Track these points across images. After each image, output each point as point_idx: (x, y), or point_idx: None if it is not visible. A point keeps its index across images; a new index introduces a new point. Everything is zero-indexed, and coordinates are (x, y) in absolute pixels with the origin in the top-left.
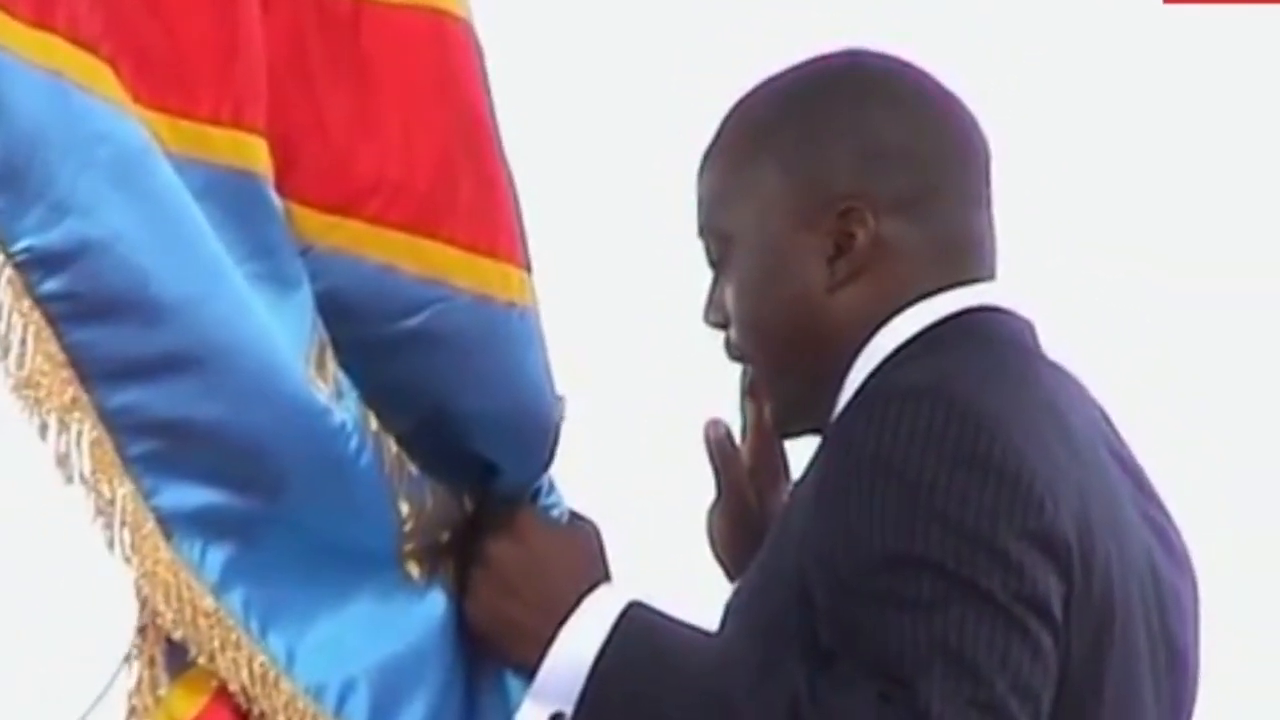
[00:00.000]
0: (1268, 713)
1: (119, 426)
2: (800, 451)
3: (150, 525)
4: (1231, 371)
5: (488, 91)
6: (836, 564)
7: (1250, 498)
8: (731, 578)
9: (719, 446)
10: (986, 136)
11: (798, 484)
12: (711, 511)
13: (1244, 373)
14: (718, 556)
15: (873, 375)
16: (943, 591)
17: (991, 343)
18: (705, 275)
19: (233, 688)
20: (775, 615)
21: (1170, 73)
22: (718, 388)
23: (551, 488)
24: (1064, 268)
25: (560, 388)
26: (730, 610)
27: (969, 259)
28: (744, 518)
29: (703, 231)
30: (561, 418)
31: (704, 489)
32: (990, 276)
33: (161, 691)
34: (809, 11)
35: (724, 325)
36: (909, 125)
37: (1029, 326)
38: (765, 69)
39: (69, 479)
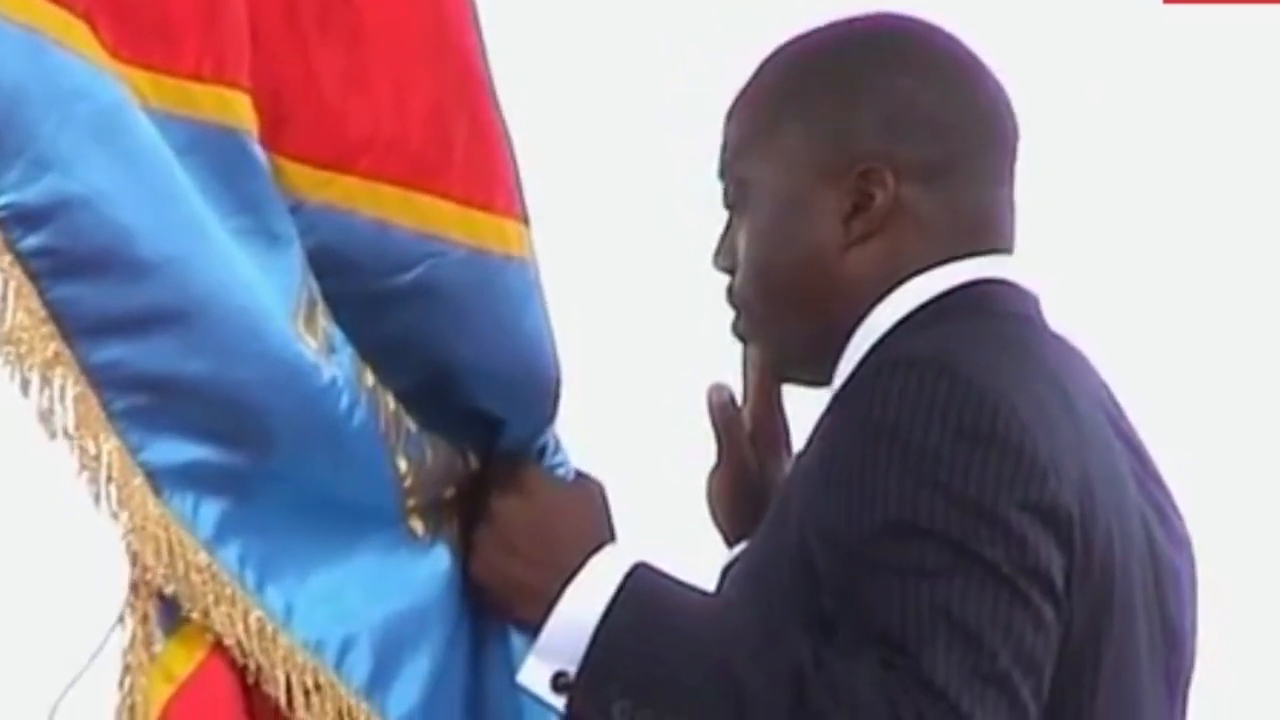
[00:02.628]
0: (1266, 703)
1: (103, 381)
2: (803, 419)
3: (138, 480)
4: (1231, 372)
5: (482, 45)
6: (838, 532)
7: (1246, 492)
8: (730, 544)
9: (721, 410)
10: (1017, 115)
11: (801, 453)
12: (711, 476)
13: (1244, 373)
14: (716, 522)
15: (879, 343)
16: (946, 561)
17: (997, 314)
18: (709, 238)
19: (228, 642)
20: (779, 585)
21: (1170, 73)
22: (722, 352)
23: (557, 446)
24: (1063, 267)
25: (563, 353)
26: (732, 578)
27: (984, 233)
28: (744, 483)
29: (723, 174)
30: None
31: (705, 453)
32: (1005, 252)
33: (156, 648)
34: (809, 11)
35: (731, 270)
36: (940, 94)
37: (1034, 300)
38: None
39: (52, 434)
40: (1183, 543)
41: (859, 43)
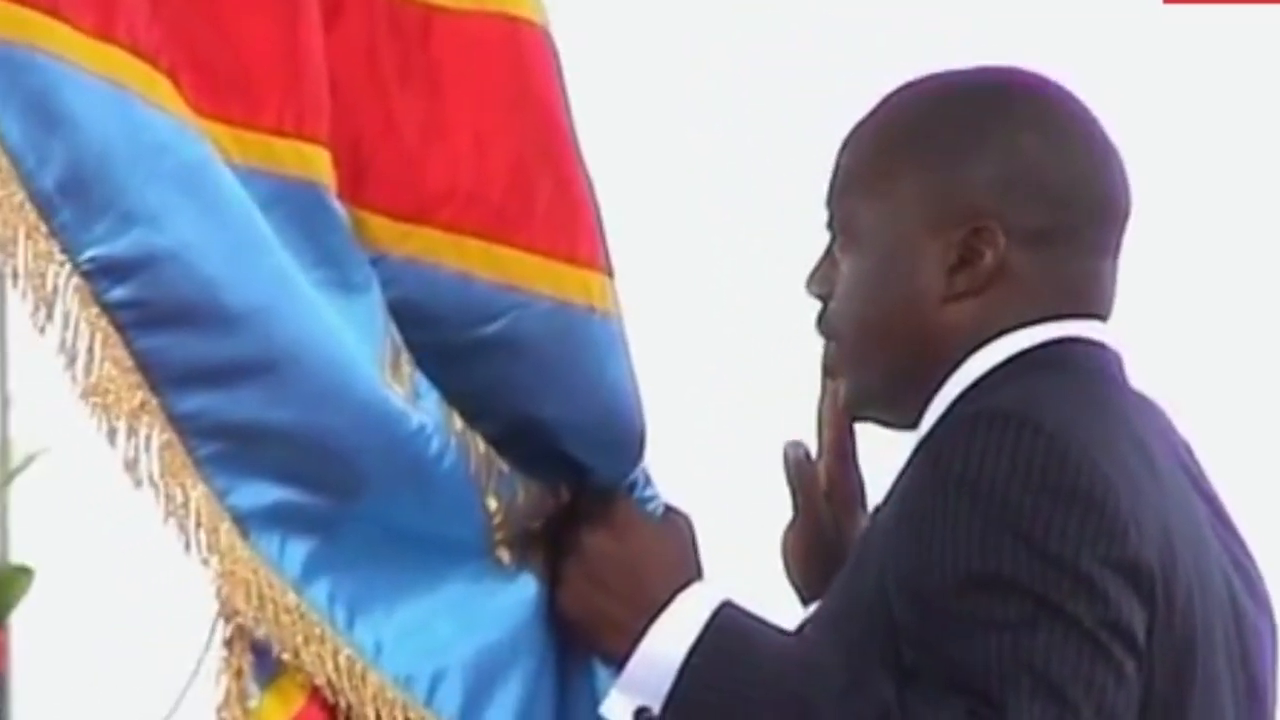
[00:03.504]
0: None
1: (189, 430)
2: (878, 476)
3: (226, 524)
4: (1231, 372)
5: (565, 96)
6: (919, 584)
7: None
8: (805, 601)
9: (797, 467)
10: (1131, 191)
11: (883, 503)
12: (787, 532)
13: (1244, 373)
14: (791, 579)
15: (965, 394)
16: (1030, 613)
17: (1081, 371)
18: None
19: (318, 681)
20: (858, 636)
21: (1170, 73)
22: (800, 409)
23: (648, 480)
24: None
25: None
26: (810, 628)
27: (1082, 300)
28: (819, 540)
29: (830, 203)
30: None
31: (782, 509)
32: (1101, 318)
33: (252, 704)
34: (809, 12)
35: (824, 298)
36: (1061, 160)
37: (1117, 359)
38: (763, 68)
39: (138, 483)
40: (1263, 601)
41: (987, 94)
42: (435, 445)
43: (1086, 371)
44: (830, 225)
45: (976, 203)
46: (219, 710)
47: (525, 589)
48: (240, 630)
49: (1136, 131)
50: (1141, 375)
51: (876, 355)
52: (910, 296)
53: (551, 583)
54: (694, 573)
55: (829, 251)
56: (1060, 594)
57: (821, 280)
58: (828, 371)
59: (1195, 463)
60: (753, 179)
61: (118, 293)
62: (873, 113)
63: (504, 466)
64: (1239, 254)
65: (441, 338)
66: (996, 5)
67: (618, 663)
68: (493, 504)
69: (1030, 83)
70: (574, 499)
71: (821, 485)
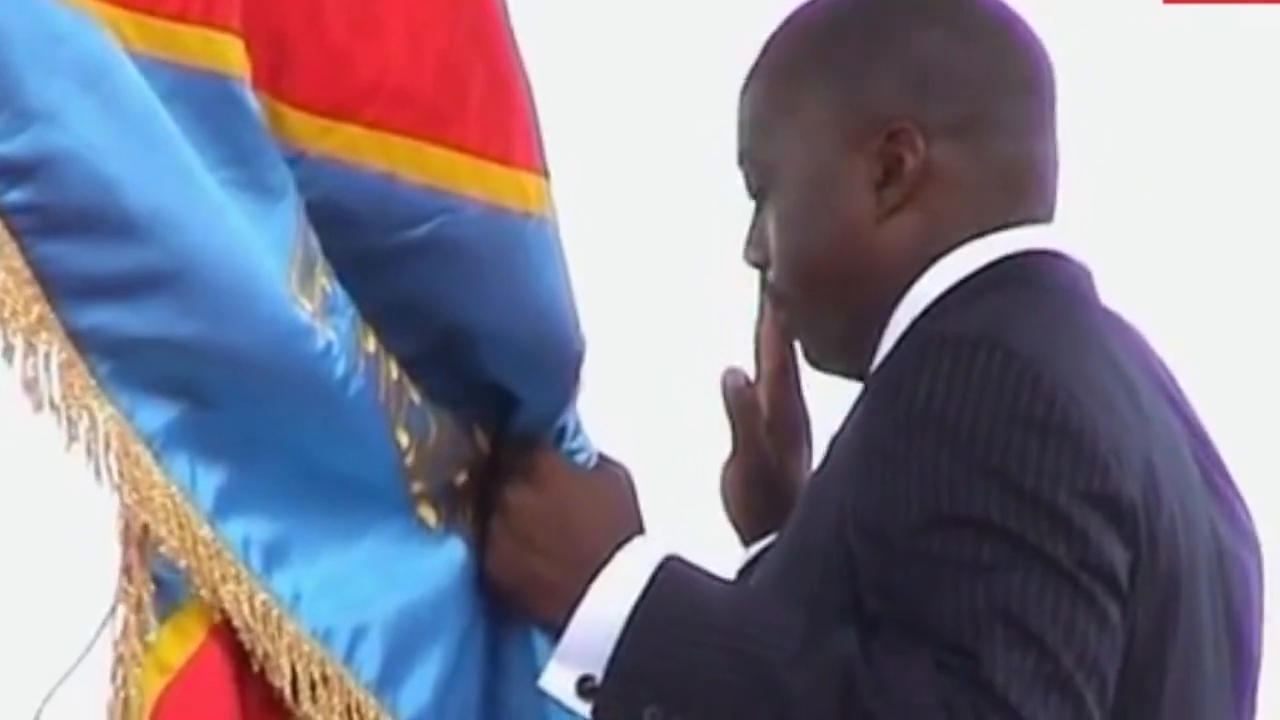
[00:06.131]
0: None
1: (90, 346)
2: (822, 406)
3: (139, 447)
4: (1230, 372)
5: None
6: (883, 527)
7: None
8: (746, 542)
9: (736, 397)
10: (1052, 61)
11: (834, 440)
12: (726, 468)
13: (1243, 373)
14: (732, 518)
15: (919, 319)
16: (1005, 554)
17: (1048, 288)
18: (723, 213)
19: (236, 623)
20: (814, 582)
21: (1170, 73)
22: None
23: (578, 429)
24: None
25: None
26: (760, 578)
27: (1026, 191)
28: (761, 476)
29: (743, 160)
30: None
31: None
32: (1048, 211)
33: (150, 637)
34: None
35: (762, 265)
36: (964, 46)
37: (1087, 273)
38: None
39: (38, 406)
40: (1249, 537)
41: (873, 1)
42: (342, 367)
43: (1054, 289)
44: (748, 186)
45: (886, 109)
46: (116, 644)
47: (453, 554)
48: (140, 558)
49: (1136, 131)
50: None
51: (827, 301)
52: (845, 226)
53: (480, 546)
54: (634, 528)
55: (756, 215)
56: (1037, 533)
57: (757, 246)
58: (775, 338)
59: (1176, 387)
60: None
61: (14, 196)
62: (760, 54)
63: (415, 397)
64: (1239, 254)
65: (363, 243)
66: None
67: (556, 631)
68: (403, 439)
69: None
70: (497, 452)
71: (763, 416)
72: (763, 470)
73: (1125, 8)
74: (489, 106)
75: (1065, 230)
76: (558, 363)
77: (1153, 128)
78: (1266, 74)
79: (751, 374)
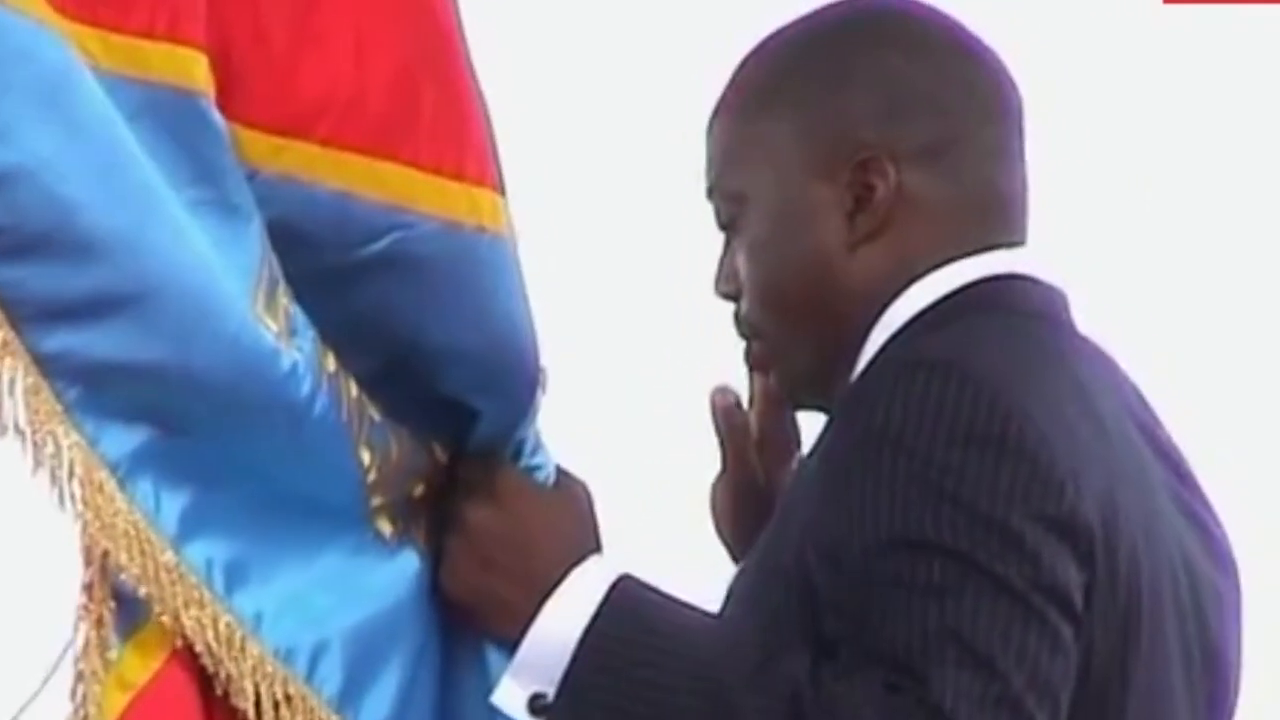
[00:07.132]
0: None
1: (55, 371)
2: (814, 422)
3: (103, 474)
4: (1230, 373)
5: (454, 2)
6: (839, 547)
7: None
8: (736, 559)
9: (725, 415)
10: (1019, 87)
11: (804, 460)
12: (715, 486)
13: (1243, 373)
14: (721, 536)
15: (888, 343)
16: (955, 577)
17: (1016, 313)
18: (705, 229)
19: (199, 649)
20: (776, 603)
21: (1170, 73)
22: (727, 356)
23: (537, 446)
24: (1061, 268)
25: (554, 351)
26: (732, 594)
27: (998, 217)
28: (750, 495)
29: (712, 193)
30: (544, 385)
31: (710, 461)
32: (1020, 238)
33: (111, 654)
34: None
35: (735, 297)
36: (933, 72)
37: (1061, 297)
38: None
39: (3, 430)
40: (1224, 559)
41: (839, 28)
42: (306, 388)
43: (1022, 314)
44: (718, 218)
45: (855, 136)
46: (77, 660)
47: (407, 566)
48: (102, 576)
49: (1136, 131)
50: (1139, 374)
51: (800, 333)
52: (816, 256)
53: (435, 561)
54: (591, 546)
55: (726, 246)
56: (988, 554)
57: (728, 278)
58: (755, 369)
59: (1149, 413)
60: None
61: None
62: (728, 85)
63: (375, 414)
64: (1239, 254)
65: (318, 262)
66: (996, 5)
67: (510, 647)
68: (365, 456)
69: (876, 6)
70: (455, 466)
71: (752, 435)
72: (751, 488)
73: (1125, 8)
74: (442, 122)
75: (1065, 231)
76: (515, 378)
77: (1153, 128)
78: (1266, 74)
79: (740, 386)
